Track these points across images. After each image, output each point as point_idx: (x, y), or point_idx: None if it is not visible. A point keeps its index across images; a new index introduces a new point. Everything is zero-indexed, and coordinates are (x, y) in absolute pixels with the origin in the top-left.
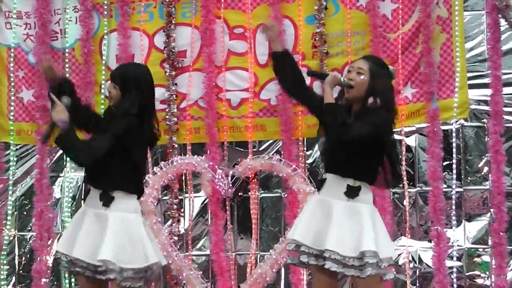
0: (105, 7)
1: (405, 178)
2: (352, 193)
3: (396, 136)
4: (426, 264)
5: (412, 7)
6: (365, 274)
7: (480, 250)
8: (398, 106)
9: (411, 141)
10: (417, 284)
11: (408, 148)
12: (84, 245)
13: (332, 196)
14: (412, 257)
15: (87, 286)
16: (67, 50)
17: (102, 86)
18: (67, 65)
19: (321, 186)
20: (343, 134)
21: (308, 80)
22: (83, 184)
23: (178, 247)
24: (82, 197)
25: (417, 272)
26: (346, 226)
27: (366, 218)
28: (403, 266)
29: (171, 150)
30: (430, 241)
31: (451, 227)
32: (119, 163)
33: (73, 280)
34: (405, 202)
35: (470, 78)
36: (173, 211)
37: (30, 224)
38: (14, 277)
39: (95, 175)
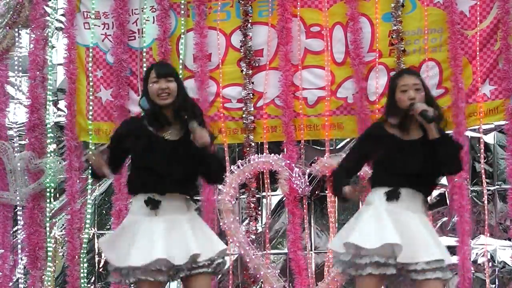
0: (182, 6)
1: (483, 176)
2: (427, 206)
3: (474, 134)
4: (505, 263)
5: (490, 4)
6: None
7: None
8: (476, 103)
9: (490, 138)
10: (496, 283)
11: (487, 146)
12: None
13: (410, 209)
14: (491, 255)
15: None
16: (144, 50)
17: None
18: (144, 65)
19: (395, 197)
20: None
21: None
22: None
23: (255, 245)
24: None
25: (496, 271)
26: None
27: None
28: (482, 265)
29: (248, 149)
30: (509, 239)
31: None
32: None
33: None
34: (484, 200)
35: None
36: (250, 209)
37: (109, 223)
38: (94, 275)
39: (186, 181)
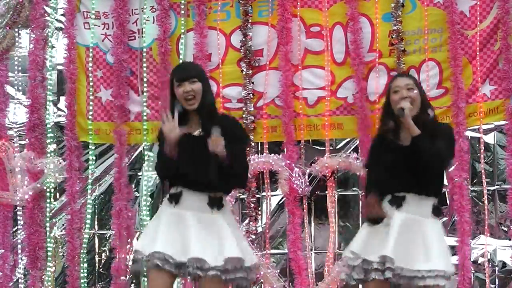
0: (182, 6)
1: (483, 176)
2: (438, 212)
3: (474, 134)
4: (505, 263)
5: (490, 4)
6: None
7: None
8: (476, 103)
9: (490, 138)
10: (496, 283)
11: (487, 146)
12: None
13: (419, 214)
14: (491, 255)
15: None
16: (144, 50)
17: None
18: (144, 65)
19: (400, 203)
20: (438, 163)
21: None
22: (162, 182)
23: (255, 245)
24: (161, 196)
25: (496, 271)
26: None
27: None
28: (482, 265)
29: (248, 149)
30: (509, 239)
31: None
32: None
33: None
34: (484, 200)
35: None
36: (250, 209)
37: (110, 223)
38: (94, 275)
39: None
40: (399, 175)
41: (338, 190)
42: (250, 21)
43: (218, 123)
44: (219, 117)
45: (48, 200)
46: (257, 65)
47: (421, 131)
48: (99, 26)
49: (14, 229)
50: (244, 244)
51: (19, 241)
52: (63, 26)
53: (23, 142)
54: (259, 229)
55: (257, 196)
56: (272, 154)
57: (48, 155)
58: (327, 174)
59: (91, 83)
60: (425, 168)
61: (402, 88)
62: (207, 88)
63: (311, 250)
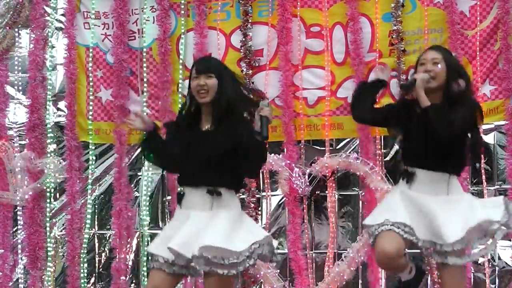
0: (182, 6)
1: (483, 176)
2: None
3: None
4: (506, 263)
5: (490, 4)
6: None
7: None
8: None
9: (490, 138)
10: (496, 283)
11: (487, 146)
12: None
13: (429, 193)
14: (491, 255)
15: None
16: (144, 50)
17: (180, 85)
18: (144, 65)
19: (411, 180)
20: (450, 132)
21: None
22: (162, 182)
23: None
24: (161, 196)
25: (496, 270)
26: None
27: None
28: (482, 265)
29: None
30: (509, 239)
31: None
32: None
33: None
34: None
35: None
36: (250, 209)
37: (110, 223)
38: (94, 275)
39: (213, 172)
40: (413, 149)
41: (338, 190)
42: (250, 21)
43: (235, 120)
44: (238, 116)
45: (48, 200)
46: (257, 65)
47: (442, 102)
48: (99, 26)
49: (14, 229)
50: (238, 232)
51: (19, 241)
52: (63, 26)
53: (23, 142)
54: None
55: (257, 196)
56: (272, 154)
57: (48, 155)
58: (327, 174)
59: (91, 83)
60: (438, 139)
61: (428, 61)
62: (225, 85)
63: (311, 250)
